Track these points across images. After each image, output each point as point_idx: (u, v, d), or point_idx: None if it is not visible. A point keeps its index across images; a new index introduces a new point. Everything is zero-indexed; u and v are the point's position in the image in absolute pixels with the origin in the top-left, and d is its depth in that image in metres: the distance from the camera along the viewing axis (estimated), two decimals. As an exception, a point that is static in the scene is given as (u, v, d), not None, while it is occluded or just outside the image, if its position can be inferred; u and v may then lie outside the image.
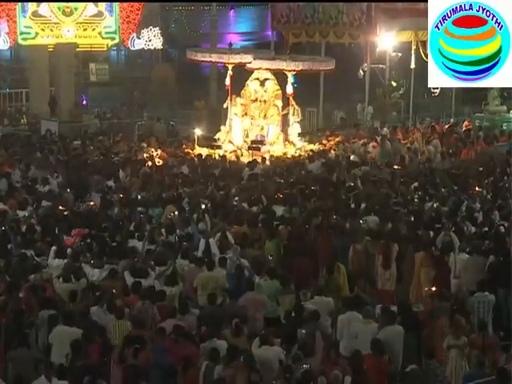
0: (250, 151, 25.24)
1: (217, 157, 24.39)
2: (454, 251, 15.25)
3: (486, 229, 16.90)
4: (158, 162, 23.28)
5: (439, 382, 11.47)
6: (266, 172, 22.06)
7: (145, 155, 24.06)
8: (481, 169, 22.56)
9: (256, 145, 25.50)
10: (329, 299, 13.60)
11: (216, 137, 26.44)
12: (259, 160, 23.38)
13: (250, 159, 23.80)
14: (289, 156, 25.01)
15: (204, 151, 25.05)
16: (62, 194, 19.42)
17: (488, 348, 12.00)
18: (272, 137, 25.95)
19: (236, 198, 19.12)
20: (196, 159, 23.77)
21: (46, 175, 20.69)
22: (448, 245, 15.50)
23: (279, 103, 26.42)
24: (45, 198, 18.66)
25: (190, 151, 25.19)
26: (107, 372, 11.75)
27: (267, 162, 23.38)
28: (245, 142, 26.06)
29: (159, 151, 24.51)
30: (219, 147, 25.59)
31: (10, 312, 12.74)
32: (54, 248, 15.10)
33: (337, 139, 26.43)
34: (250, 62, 26.08)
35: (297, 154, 25.17)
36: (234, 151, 25.23)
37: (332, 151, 24.90)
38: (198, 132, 25.93)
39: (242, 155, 24.87)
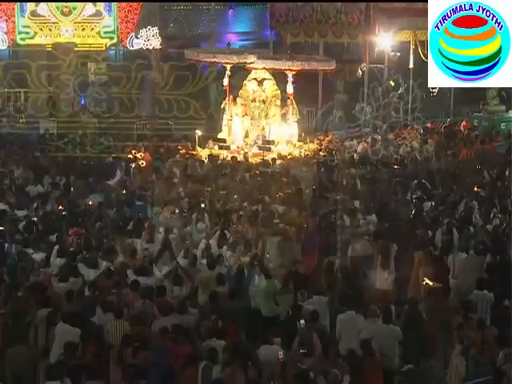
0: (256, 151, 25.00)
1: (222, 157, 24.22)
2: (453, 250, 15.27)
3: (485, 228, 16.93)
4: (143, 163, 23.11)
5: (437, 381, 11.48)
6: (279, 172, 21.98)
7: (139, 155, 23.98)
8: (478, 168, 22.59)
9: (267, 145, 25.23)
10: (327, 299, 13.60)
11: (218, 137, 26.33)
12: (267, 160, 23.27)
13: (255, 159, 23.66)
14: (297, 156, 24.73)
15: (206, 152, 24.93)
16: (64, 193, 19.42)
17: (487, 347, 12.00)
18: (274, 137, 25.83)
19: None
20: (207, 160, 23.59)
21: (41, 175, 20.65)
22: (448, 244, 15.52)
23: (278, 103, 26.35)
24: (43, 198, 18.64)
25: (192, 151, 25.05)
26: (106, 372, 11.75)
27: (277, 162, 23.16)
28: (244, 142, 25.98)
29: (146, 154, 24.08)
30: (228, 147, 25.32)
31: (9, 311, 12.74)
32: (56, 247, 15.13)
33: (327, 139, 26.38)
34: (253, 62, 26.02)
35: (303, 154, 25.01)
36: (237, 151, 25.08)
37: (332, 152, 24.88)
38: (198, 133, 25.80)
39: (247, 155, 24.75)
